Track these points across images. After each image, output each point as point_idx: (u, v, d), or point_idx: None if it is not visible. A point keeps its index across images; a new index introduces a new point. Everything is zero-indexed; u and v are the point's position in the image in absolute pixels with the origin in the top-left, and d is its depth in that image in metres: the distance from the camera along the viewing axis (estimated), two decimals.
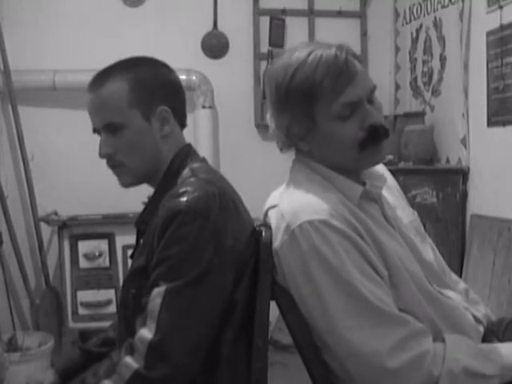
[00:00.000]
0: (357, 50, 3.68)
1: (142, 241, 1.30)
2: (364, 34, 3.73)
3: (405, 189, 2.82)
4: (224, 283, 1.18)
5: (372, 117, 1.23)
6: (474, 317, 1.32)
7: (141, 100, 1.26)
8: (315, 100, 1.21)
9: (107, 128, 1.27)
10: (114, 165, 1.30)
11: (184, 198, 1.17)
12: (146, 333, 1.12)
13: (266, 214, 1.31)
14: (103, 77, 1.28)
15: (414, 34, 3.48)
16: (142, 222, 1.32)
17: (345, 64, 1.20)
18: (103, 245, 3.17)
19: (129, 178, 1.31)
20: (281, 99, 1.24)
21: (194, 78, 3.38)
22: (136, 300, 1.20)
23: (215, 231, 1.16)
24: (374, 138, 1.23)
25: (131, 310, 1.22)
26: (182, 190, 1.19)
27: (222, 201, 1.19)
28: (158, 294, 1.13)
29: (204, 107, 3.38)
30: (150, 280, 1.17)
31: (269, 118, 1.31)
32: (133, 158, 1.28)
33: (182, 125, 1.36)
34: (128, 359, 1.12)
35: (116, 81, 1.27)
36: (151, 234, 1.21)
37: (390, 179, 1.45)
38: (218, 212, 1.17)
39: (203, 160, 1.35)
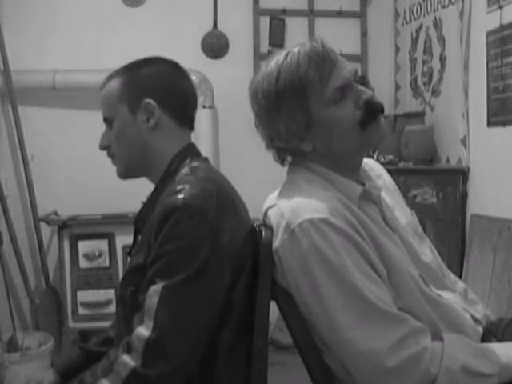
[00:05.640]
0: (357, 50, 3.70)
1: (140, 238, 1.31)
2: (364, 34, 3.73)
3: (405, 189, 2.84)
4: (221, 281, 1.18)
5: (364, 93, 1.25)
6: (473, 317, 1.32)
7: (128, 94, 1.32)
8: (305, 93, 1.22)
9: (105, 122, 1.35)
10: (109, 156, 1.37)
11: (181, 195, 1.17)
12: (143, 331, 1.12)
13: (265, 215, 1.31)
14: (109, 76, 1.36)
15: (414, 34, 3.48)
16: (140, 220, 1.33)
17: (324, 51, 1.23)
18: (103, 245, 3.17)
19: (120, 169, 1.37)
20: (272, 103, 1.25)
21: (194, 77, 3.34)
22: (134, 298, 1.20)
23: (212, 229, 1.16)
24: (372, 114, 1.24)
25: (129, 307, 1.22)
26: (179, 188, 1.19)
27: (219, 199, 1.19)
28: (154, 291, 1.13)
29: (204, 107, 3.39)
30: (147, 277, 1.17)
31: (262, 135, 1.31)
32: (120, 148, 1.34)
33: (182, 123, 1.36)
34: (125, 357, 1.12)
35: (115, 79, 1.34)
36: (148, 232, 1.21)
37: (388, 179, 1.45)
38: (215, 210, 1.17)
39: (204, 160, 1.36)
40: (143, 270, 1.19)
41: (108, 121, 1.34)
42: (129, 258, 1.38)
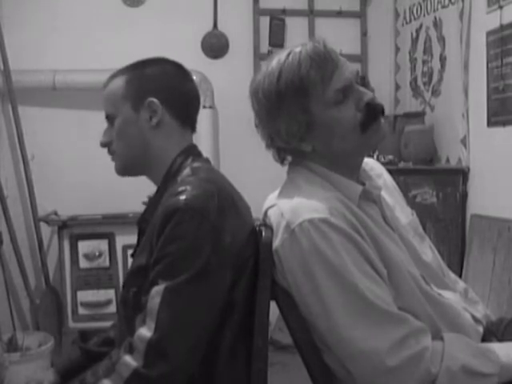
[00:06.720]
0: (357, 50, 3.70)
1: (143, 239, 1.31)
2: (364, 34, 3.73)
3: (405, 189, 2.84)
4: (222, 281, 1.18)
5: (365, 95, 1.25)
6: (473, 317, 1.32)
7: (133, 92, 1.32)
8: (307, 93, 1.21)
9: (107, 119, 1.36)
10: (110, 153, 1.38)
11: (183, 197, 1.17)
12: (145, 331, 1.12)
13: (265, 215, 1.31)
14: (113, 75, 1.37)
15: (414, 34, 3.48)
16: (144, 221, 1.34)
17: (325, 52, 1.23)
18: (103, 245, 3.17)
19: (118, 165, 1.37)
20: (273, 103, 1.24)
21: (194, 77, 3.36)
22: (136, 299, 1.20)
23: (213, 229, 1.16)
24: (373, 116, 1.24)
25: (131, 308, 1.22)
26: (180, 189, 1.20)
27: (220, 199, 1.20)
28: (156, 292, 1.13)
29: (204, 107, 3.39)
30: (149, 278, 1.17)
31: (262, 135, 1.31)
32: (121, 145, 1.34)
33: (184, 124, 1.36)
34: (127, 358, 1.13)
35: (120, 77, 1.34)
36: (151, 233, 1.22)
37: (388, 178, 1.45)
38: (216, 210, 1.17)
39: (206, 160, 1.36)
40: (145, 271, 1.19)
41: (110, 118, 1.34)
42: (130, 259, 1.38)
